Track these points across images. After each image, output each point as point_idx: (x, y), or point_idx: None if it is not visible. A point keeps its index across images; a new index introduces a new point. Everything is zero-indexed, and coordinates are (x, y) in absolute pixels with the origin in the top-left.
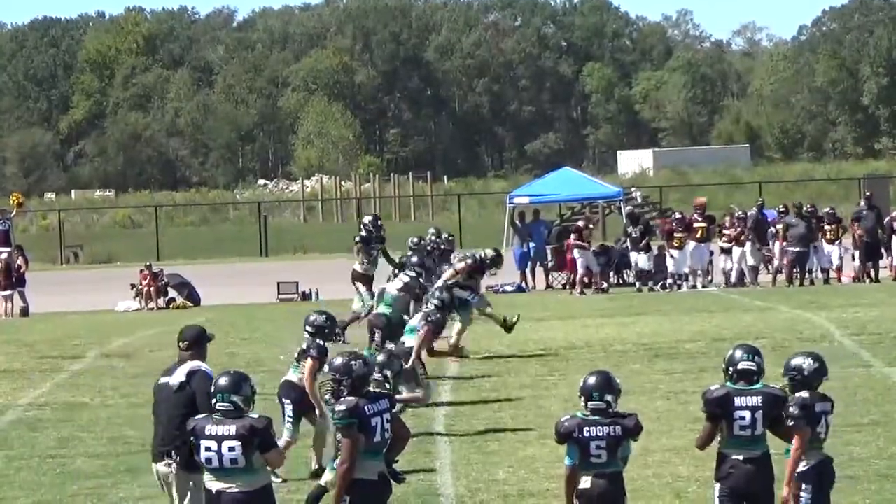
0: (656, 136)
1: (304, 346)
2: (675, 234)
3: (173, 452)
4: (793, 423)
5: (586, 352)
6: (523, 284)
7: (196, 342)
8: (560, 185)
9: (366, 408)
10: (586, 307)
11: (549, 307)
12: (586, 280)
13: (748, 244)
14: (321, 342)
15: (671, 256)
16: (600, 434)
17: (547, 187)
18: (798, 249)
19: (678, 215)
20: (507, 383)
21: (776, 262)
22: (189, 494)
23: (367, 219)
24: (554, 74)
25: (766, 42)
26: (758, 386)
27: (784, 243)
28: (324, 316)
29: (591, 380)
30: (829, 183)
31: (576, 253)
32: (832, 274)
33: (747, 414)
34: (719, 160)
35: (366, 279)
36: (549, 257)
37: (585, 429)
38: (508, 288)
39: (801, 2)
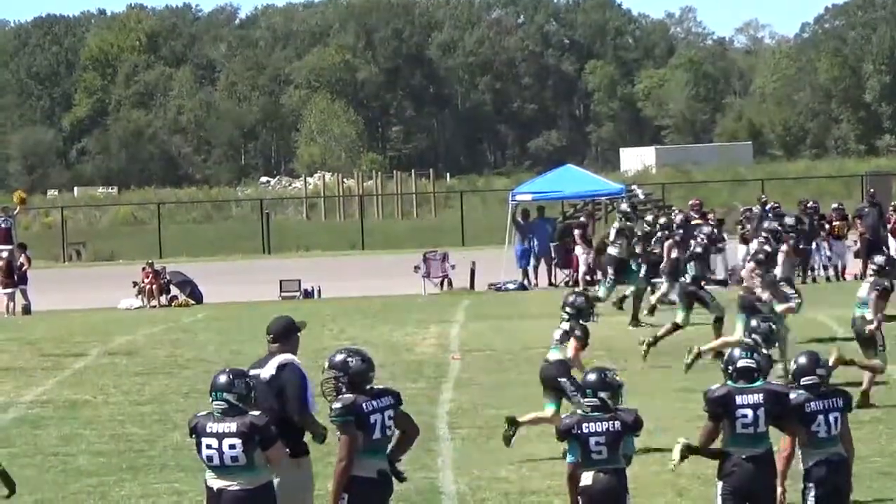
0: (659, 134)
1: (567, 327)
2: None
3: None
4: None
5: (588, 349)
6: (525, 282)
7: (283, 334)
8: (562, 183)
9: (364, 405)
10: None
11: (550, 305)
12: (588, 278)
13: (755, 242)
14: (583, 322)
15: None
16: (599, 430)
17: (549, 184)
18: (799, 247)
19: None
20: (509, 380)
21: None
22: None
23: (625, 206)
24: (557, 72)
25: (769, 40)
26: (758, 383)
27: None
28: (582, 297)
29: (587, 378)
30: (832, 180)
31: (578, 250)
32: (831, 272)
33: (749, 412)
34: (722, 157)
35: (619, 262)
36: (553, 254)
37: (584, 425)
38: (510, 286)
39: None
